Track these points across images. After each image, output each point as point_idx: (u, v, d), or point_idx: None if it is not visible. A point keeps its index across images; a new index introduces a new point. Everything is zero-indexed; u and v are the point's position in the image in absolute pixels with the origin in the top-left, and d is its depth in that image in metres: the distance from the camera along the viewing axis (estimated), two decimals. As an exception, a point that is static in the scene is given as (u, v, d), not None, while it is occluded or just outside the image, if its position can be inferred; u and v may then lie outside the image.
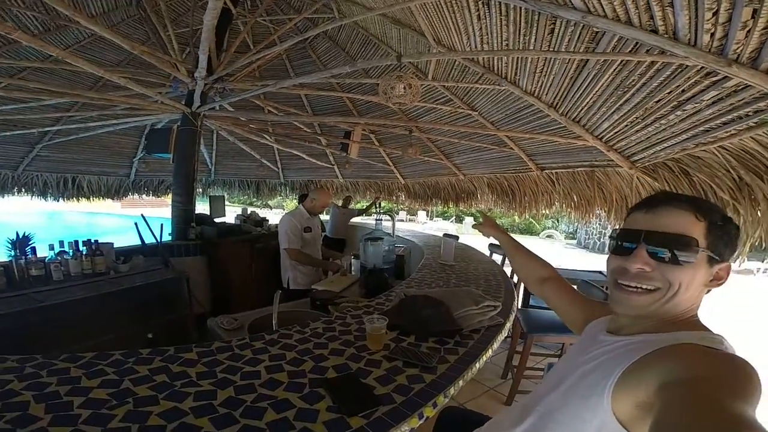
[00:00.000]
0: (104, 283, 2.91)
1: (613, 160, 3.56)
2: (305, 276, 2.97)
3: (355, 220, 6.44)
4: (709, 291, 0.77)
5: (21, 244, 2.64)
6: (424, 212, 19.09)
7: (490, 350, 1.38)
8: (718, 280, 0.74)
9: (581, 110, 3.21)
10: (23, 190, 5.92)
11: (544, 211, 5.22)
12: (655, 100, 2.50)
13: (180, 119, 4.25)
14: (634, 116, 2.81)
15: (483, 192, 5.87)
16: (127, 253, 3.50)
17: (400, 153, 5.41)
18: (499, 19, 2.65)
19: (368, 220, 6.33)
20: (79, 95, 4.15)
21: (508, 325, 1.63)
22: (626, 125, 3.00)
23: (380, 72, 4.73)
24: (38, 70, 4.32)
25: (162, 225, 3.71)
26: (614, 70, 2.53)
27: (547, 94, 3.32)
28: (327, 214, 6.30)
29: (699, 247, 0.71)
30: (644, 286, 0.74)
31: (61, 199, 6.47)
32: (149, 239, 3.71)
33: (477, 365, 1.25)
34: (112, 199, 7.37)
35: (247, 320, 2.00)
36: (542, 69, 3.03)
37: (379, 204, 6.96)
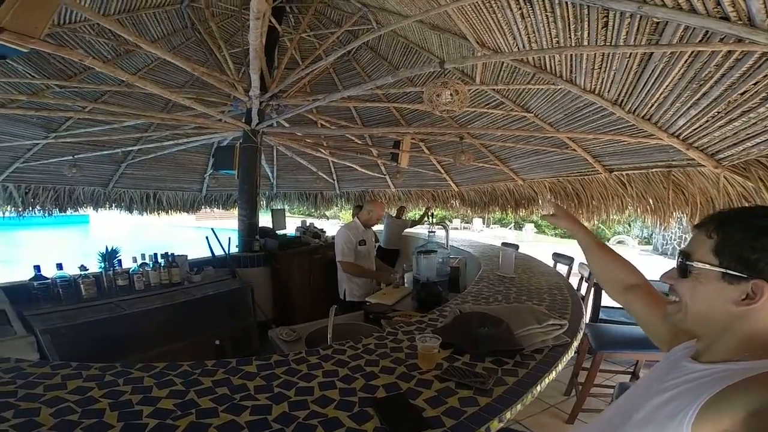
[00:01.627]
0: (179, 293, 3.21)
1: (693, 159, 3.22)
2: (360, 288, 3.03)
3: (409, 230, 6.43)
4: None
5: (110, 257, 3.00)
6: (480, 219, 18.53)
7: (553, 372, 1.29)
8: (750, 299, 0.70)
9: (651, 107, 2.94)
10: (113, 205, 6.70)
11: (615, 217, 4.83)
12: (740, 92, 2.23)
13: (242, 136, 4.56)
14: (716, 110, 2.53)
15: (545, 197, 5.58)
16: (199, 264, 3.82)
17: (452, 160, 5.32)
18: (544, 16, 2.50)
19: (421, 231, 6.29)
20: (152, 116, 4.63)
21: (575, 344, 1.52)
22: (707, 121, 2.71)
23: (424, 79, 4.72)
24: (117, 94, 4.84)
25: (230, 238, 4.00)
26: (685, 61, 2.29)
27: (609, 91, 3.07)
28: (381, 224, 6.37)
29: (694, 260, 0.77)
30: (672, 298, 0.84)
31: (144, 213, 7.22)
32: (218, 251, 4.02)
33: (538, 388, 1.18)
34: (187, 212, 8.07)
35: (304, 332, 2.08)
36: (601, 64, 2.82)
37: (431, 214, 6.89)
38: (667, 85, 2.58)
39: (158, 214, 7.46)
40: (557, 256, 4.05)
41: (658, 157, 3.62)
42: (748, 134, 2.55)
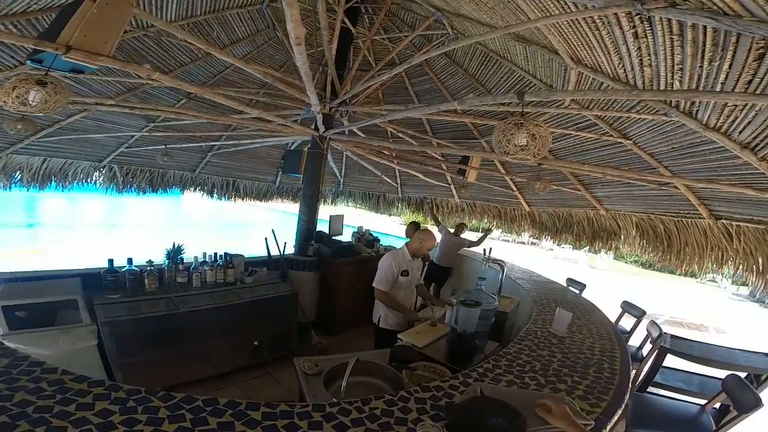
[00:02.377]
0: (230, 294, 3.45)
1: (831, 224, 2.65)
2: (395, 317, 3.01)
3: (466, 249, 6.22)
4: None
5: (174, 253, 3.34)
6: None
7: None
8: None
9: None
10: (198, 188, 7.46)
11: (709, 269, 4.19)
12: None
13: (310, 142, 4.76)
14: None
15: (628, 233, 5.02)
16: (254, 263, 4.08)
17: (525, 183, 5.01)
18: (668, 39, 2.14)
19: (478, 250, 6.03)
20: (233, 119, 4.98)
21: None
22: None
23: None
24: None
25: (285, 243, 4.22)
26: None
27: (741, 133, 2.62)
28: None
29: None
30: None
31: (222, 198, 7.93)
32: (274, 250, 4.27)
33: None
34: (260, 200, 8.69)
35: (326, 366, 2.11)
36: (737, 103, 2.39)
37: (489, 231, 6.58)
38: None
39: (235, 200, 8.13)
40: (627, 306, 3.65)
41: (775, 212, 3.04)
42: None
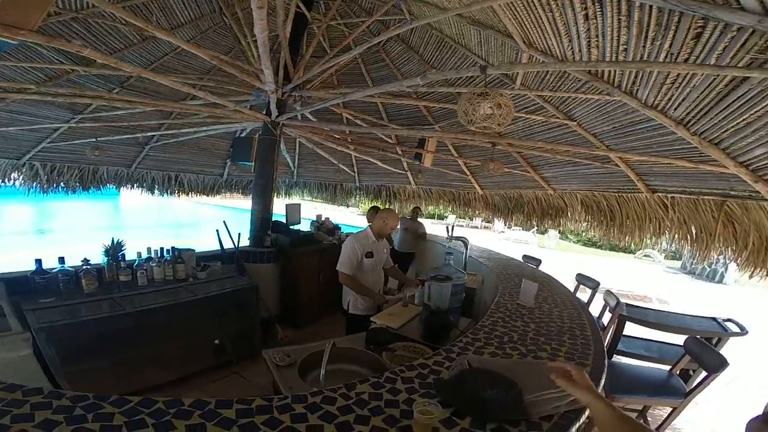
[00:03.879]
0: (182, 291, 3.14)
1: (758, 192, 2.89)
2: (365, 301, 2.89)
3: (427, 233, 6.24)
4: None
5: (114, 250, 2.97)
6: (502, 222, 18.01)
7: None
8: None
9: (725, 132, 2.64)
10: (135, 184, 6.81)
11: (648, 240, 4.50)
12: None
13: (261, 128, 4.47)
14: None
15: (575, 210, 5.27)
16: (207, 258, 3.77)
17: (480, 166, 5.08)
18: (615, 20, 2.21)
19: (440, 233, 6.09)
20: (167, 106, 4.57)
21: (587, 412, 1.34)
22: None
23: (463, 82, 4.45)
24: (140, 80, 4.80)
25: (240, 233, 3.93)
26: None
27: (676, 110, 2.77)
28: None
29: None
30: None
31: (165, 194, 7.32)
32: (228, 243, 3.96)
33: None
34: (207, 195, 8.14)
35: (299, 356, 1.96)
36: (675, 80, 2.50)
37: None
38: (757, 111, 2.26)
39: (179, 195, 7.55)
40: (582, 278, 3.81)
41: (715, 184, 3.30)
42: None
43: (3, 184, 5.47)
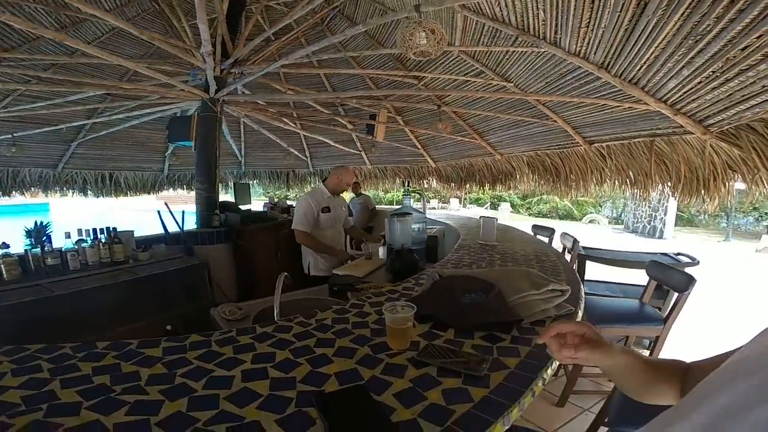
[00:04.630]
0: (122, 273, 2.72)
1: (681, 126, 2.97)
2: (327, 261, 2.63)
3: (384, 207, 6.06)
4: None
5: (37, 233, 2.48)
6: (457, 200, 18.37)
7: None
8: None
9: (640, 68, 2.67)
10: (65, 187, 6.00)
11: (594, 191, 4.60)
12: (741, 47, 1.95)
13: (200, 106, 4.05)
14: (710, 70, 2.27)
15: (522, 172, 5.30)
16: (149, 241, 3.33)
17: (430, 131, 4.96)
18: None
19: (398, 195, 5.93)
20: (104, 85, 4.05)
21: (581, 313, 1.19)
22: (700, 82, 2.45)
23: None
24: (62, 68, 4.25)
25: (183, 212, 3.51)
26: (682, 14, 2.00)
27: (596, 54, 2.80)
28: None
29: None
30: None
31: (100, 195, 6.54)
32: (173, 227, 3.52)
33: (548, 371, 0.84)
34: (148, 193, 7.39)
35: (254, 310, 1.69)
36: (588, 22, 2.52)
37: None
38: (659, 43, 2.31)
39: (116, 196, 6.78)
40: (537, 228, 3.78)
41: (642, 125, 3.37)
42: (744, 95, 2.29)
43: None
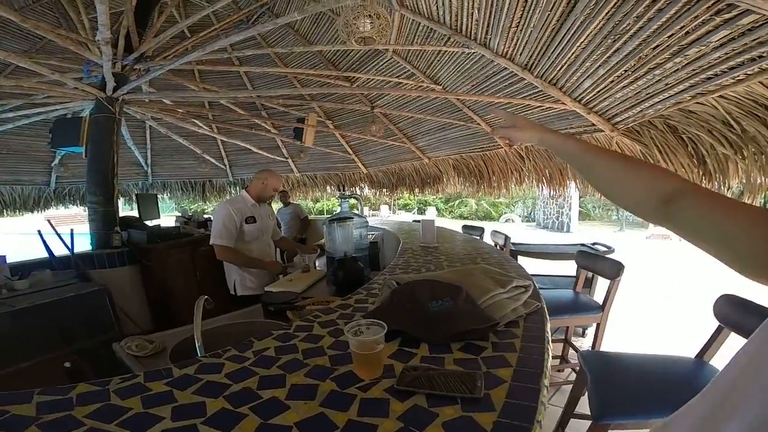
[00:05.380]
0: (-5, 305, 2.12)
1: (592, 125, 3.23)
2: (256, 277, 2.31)
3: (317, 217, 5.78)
4: None
5: None
6: (386, 206, 18.60)
7: (549, 349, 0.85)
8: None
9: (560, 69, 2.86)
10: None
11: (514, 190, 4.89)
12: (652, 46, 2.15)
13: (93, 107, 3.43)
14: (623, 68, 2.48)
15: (449, 175, 5.45)
16: (30, 267, 2.68)
17: (363, 134, 4.85)
18: None
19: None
20: None
21: (546, 308, 1.12)
22: (612, 81, 2.67)
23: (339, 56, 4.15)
24: None
25: (72, 230, 2.89)
26: (607, 12, 2.15)
27: (521, 54, 2.95)
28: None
29: None
30: None
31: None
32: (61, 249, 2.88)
33: (545, 380, 0.72)
34: (31, 212, 6.15)
35: (171, 341, 1.36)
36: (519, 23, 2.64)
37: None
38: (581, 42, 2.47)
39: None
40: (468, 228, 3.86)
41: (558, 125, 3.62)
42: (649, 93, 2.54)
43: None
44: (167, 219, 5.09)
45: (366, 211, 16.65)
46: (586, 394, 1.25)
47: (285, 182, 6.83)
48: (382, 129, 4.04)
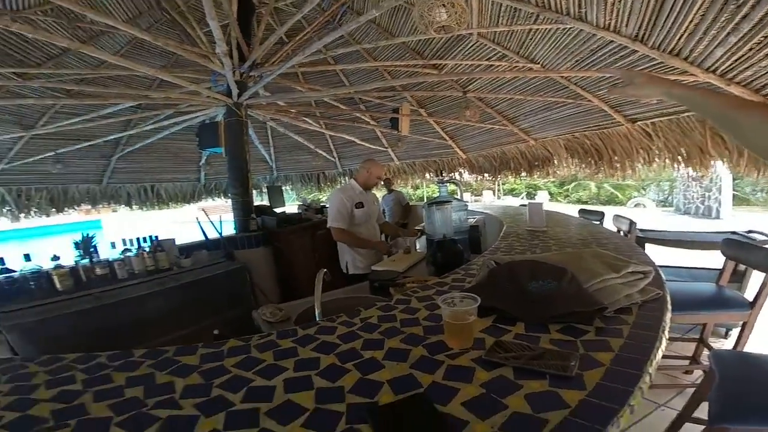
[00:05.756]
0: (167, 279, 2.76)
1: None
2: (365, 258, 2.53)
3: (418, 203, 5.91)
4: None
5: (85, 245, 2.55)
6: (490, 191, 17.73)
7: (663, 340, 0.77)
8: None
9: (680, 38, 2.45)
10: (111, 201, 6.28)
11: (642, 170, 4.22)
12: None
13: (225, 112, 4.07)
14: (762, 35, 2.01)
15: (561, 157, 4.98)
16: (190, 249, 3.37)
17: (457, 120, 4.75)
18: None
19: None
20: (133, 95, 4.16)
21: (669, 298, 1.00)
22: (751, 49, 2.20)
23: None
24: (90, 83, 4.36)
25: (221, 216, 3.53)
26: None
27: (628, 26, 2.61)
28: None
29: None
30: None
31: (144, 207, 6.79)
32: (212, 233, 3.56)
33: (653, 364, 0.67)
34: (188, 203, 7.60)
35: (295, 311, 1.60)
36: None
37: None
38: (698, 10, 2.11)
39: (158, 207, 7.02)
40: (585, 213, 3.49)
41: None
42: None
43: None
44: (290, 207, 5.81)
45: (467, 196, 16.22)
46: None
47: (387, 171, 7.12)
48: (477, 113, 3.91)
